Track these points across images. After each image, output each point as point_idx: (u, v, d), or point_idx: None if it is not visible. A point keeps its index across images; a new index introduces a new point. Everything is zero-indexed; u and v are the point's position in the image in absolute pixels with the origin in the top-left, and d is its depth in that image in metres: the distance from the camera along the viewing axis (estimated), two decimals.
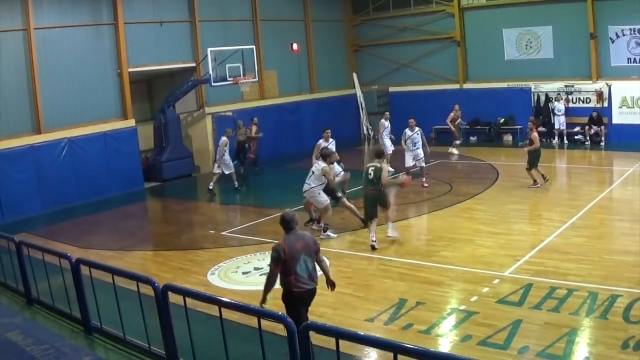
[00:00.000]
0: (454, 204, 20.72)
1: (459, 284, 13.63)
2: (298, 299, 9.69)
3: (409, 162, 24.01)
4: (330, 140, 22.25)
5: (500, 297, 12.42)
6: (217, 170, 25.92)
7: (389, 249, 16.89)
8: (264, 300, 9.85)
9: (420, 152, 23.92)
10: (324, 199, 18.16)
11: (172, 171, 29.62)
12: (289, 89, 35.60)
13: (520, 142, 24.25)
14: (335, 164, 19.53)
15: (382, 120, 27.59)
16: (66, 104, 25.70)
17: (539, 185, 22.37)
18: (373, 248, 16.51)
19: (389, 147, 26.57)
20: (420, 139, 24.14)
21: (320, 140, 22.04)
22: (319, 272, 10.09)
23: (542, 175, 22.64)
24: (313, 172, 18.18)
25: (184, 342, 9.08)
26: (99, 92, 26.98)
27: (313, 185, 18.06)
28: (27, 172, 24.11)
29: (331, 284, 10.41)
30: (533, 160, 22.45)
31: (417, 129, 24.15)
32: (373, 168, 17.00)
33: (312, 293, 9.86)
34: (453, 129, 30.13)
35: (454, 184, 23.60)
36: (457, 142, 30.58)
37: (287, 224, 9.88)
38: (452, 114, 30.10)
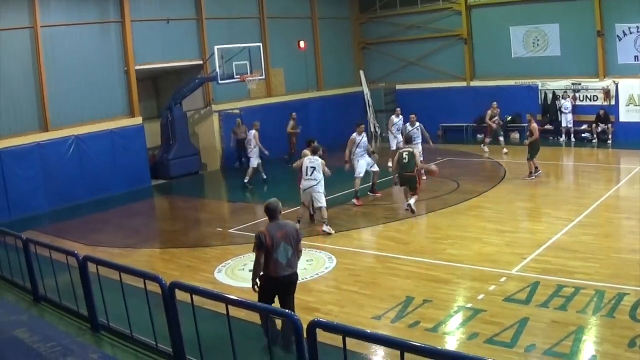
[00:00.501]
0: (460, 202, 20.71)
1: (466, 281, 13.62)
2: (274, 283, 10.31)
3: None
4: (363, 134, 22.10)
5: (507, 295, 12.41)
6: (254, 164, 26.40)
7: (396, 247, 16.90)
8: (254, 285, 10.43)
9: (419, 147, 24.09)
10: (323, 197, 18.76)
11: (179, 168, 29.62)
12: (296, 87, 35.55)
13: (525, 139, 24.22)
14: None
15: (392, 116, 27.63)
16: (73, 101, 25.73)
17: (533, 177, 23.03)
18: (412, 211, 19.34)
19: (393, 144, 26.78)
20: (419, 134, 24.65)
21: (354, 135, 21.93)
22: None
23: (536, 167, 23.20)
24: (314, 168, 18.46)
25: (191, 340, 9.07)
26: (105, 89, 27.04)
27: (320, 179, 18.46)
28: (34, 170, 24.16)
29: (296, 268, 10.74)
30: (533, 151, 23.02)
31: (417, 124, 24.81)
32: (407, 153, 19.46)
33: (289, 279, 10.43)
34: (494, 126, 29.84)
35: (460, 181, 23.57)
36: (488, 139, 30.31)
37: (271, 212, 10.49)
38: (489, 112, 29.93)
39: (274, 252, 10.17)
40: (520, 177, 23.53)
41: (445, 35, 36.16)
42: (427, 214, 19.86)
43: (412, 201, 19.34)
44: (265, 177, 26.82)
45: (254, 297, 11.08)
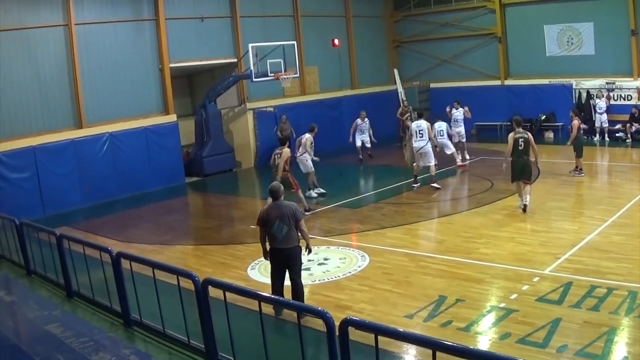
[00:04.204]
0: (494, 201, 20.51)
1: (498, 281, 13.47)
2: (273, 254, 11.92)
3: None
4: (366, 119, 26.01)
5: (540, 295, 12.25)
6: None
7: (429, 246, 16.86)
8: (265, 255, 12.14)
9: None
10: (311, 164, 22.69)
11: (213, 166, 29.68)
12: (330, 85, 35.49)
13: (567, 141, 24.07)
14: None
15: (358, 119, 29.80)
16: (107, 99, 25.90)
17: (575, 174, 23.14)
18: (524, 210, 18.50)
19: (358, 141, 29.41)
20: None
21: (358, 120, 26.95)
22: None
23: (580, 168, 23.27)
24: (422, 130, 22.76)
25: (223, 337, 9.04)
26: (140, 87, 27.19)
27: (427, 139, 22.81)
28: (68, 167, 24.37)
29: (308, 250, 12.25)
30: (578, 149, 23.08)
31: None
32: (523, 139, 18.66)
33: (286, 253, 11.81)
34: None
35: (495, 180, 23.39)
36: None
37: (272, 194, 12.02)
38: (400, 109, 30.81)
39: (270, 228, 11.74)
40: (554, 177, 23.34)
41: (480, 34, 35.94)
42: (460, 213, 19.71)
43: (527, 199, 18.63)
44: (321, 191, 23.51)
45: (286, 295, 11.10)
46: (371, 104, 35.24)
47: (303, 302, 11.20)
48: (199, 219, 23.58)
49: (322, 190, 23.12)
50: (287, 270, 11.88)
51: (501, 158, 25.82)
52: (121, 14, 26.38)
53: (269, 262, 12.15)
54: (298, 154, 22.76)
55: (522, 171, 18.61)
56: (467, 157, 27.36)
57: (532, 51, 33.94)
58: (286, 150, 19.69)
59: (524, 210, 18.44)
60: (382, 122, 33.68)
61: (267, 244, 11.93)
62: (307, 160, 22.78)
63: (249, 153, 31.47)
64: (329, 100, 34.42)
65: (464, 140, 28.04)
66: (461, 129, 27.91)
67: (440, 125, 25.42)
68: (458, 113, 28.04)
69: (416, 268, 14.81)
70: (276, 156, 20.32)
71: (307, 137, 22.92)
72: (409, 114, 31.18)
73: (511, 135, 18.93)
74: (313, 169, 23.03)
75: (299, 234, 11.94)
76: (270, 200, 12.16)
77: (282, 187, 12.24)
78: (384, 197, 21.94)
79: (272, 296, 9.20)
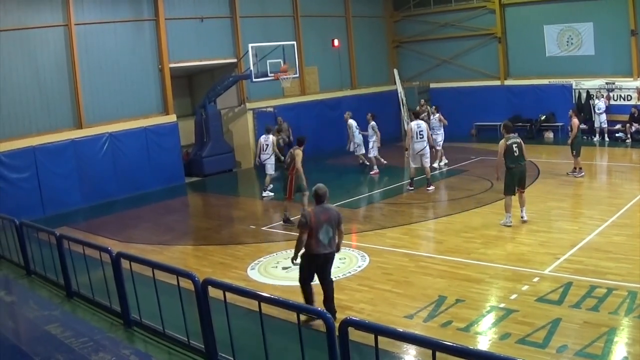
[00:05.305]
0: (494, 201, 20.47)
1: (498, 281, 13.48)
2: (314, 259, 11.51)
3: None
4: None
5: (540, 295, 12.26)
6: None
7: (429, 246, 16.89)
8: (295, 258, 11.83)
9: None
10: (272, 164, 24.03)
11: (213, 166, 29.69)
12: (330, 85, 35.50)
13: (568, 139, 24.05)
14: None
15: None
16: (107, 99, 25.94)
17: (573, 174, 23.07)
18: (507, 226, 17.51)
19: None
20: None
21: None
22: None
23: (580, 168, 23.21)
24: (422, 130, 22.69)
25: (223, 337, 9.05)
26: (140, 87, 27.21)
27: (271, 153, 23.72)
28: (68, 167, 24.39)
29: (337, 250, 11.96)
30: (577, 148, 22.94)
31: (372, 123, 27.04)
32: (516, 145, 17.46)
33: (328, 257, 11.65)
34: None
35: (494, 181, 23.36)
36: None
37: (318, 197, 11.71)
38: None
39: (317, 232, 11.31)
40: (554, 177, 23.34)
41: (480, 34, 35.93)
42: (460, 213, 19.70)
43: (524, 213, 17.79)
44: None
45: (286, 295, 11.10)
46: (371, 104, 35.24)
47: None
48: (198, 219, 23.58)
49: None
50: (321, 272, 11.72)
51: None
52: (121, 14, 26.40)
53: (293, 265, 12.12)
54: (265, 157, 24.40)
55: (521, 178, 17.64)
56: (436, 166, 26.72)
57: (532, 51, 33.95)
58: (298, 151, 19.39)
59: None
60: (381, 121, 33.65)
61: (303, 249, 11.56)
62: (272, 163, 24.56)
63: (249, 153, 31.44)
64: (329, 101, 34.45)
65: (439, 147, 26.95)
66: (437, 136, 26.68)
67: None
68: (434, 119, 27.15)
69: (416, 268, 14.82)
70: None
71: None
72: (426, 113, 31.08)
73: (502, 142, 17.64)
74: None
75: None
76: (306, 201, 11.72)
77: (327, 190, 11.85)
78: (383, 197, 21.94)
79: (272, 296, 9.10)
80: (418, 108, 31.36)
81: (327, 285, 11.68)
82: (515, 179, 17.52)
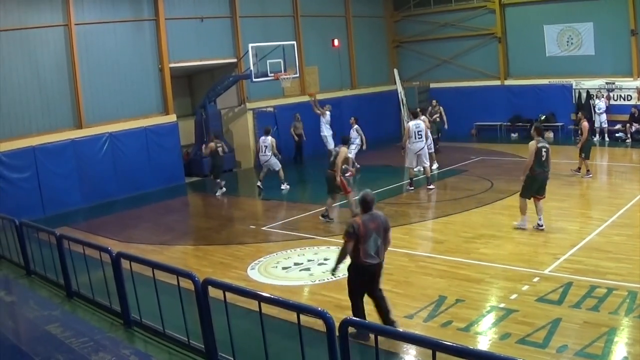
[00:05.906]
0: (494, 201, 20.50)
1: (498, 281, 13.47)
2: (362, 271, 10.71)
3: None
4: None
5: (540, 295, 12.25)
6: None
7: (429, 246, 16.87)
8: (335, 269, 11.17)
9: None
10: (276, 161, 24.72)
11: None
12: (330, 85, 35.44)
13: (577, 139, 24.04)
14: None
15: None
16: (107, 99, 25.92)
17: (580, 174, 23.16)
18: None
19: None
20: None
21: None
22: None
23: (587, 170, 23.12)
24: (421, 130, 22.57)
25: (223, 337, 9.06)
26: (140, 87, 27.20)
27: (270, 154, 24.39)
28: (68, 167, 24.38)
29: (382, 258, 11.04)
30: (586, 150, 22.92)
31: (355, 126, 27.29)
32: (546, 149, 16.56)
33: (376, 267, 10.79)
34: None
35: (494, 180, 23.40)
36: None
37: (366, 204, 10.86)
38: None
39: (365, 242, 10.55)
40: (554, 176, 23.30)
41: (480, 34, 35.92)
42: (460, 213, 19.68)
43: (542, 220, 16.85)
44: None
45: (286, 295, 11.10)
46: (371, 104, 35.30)
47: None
48: (198, 219, 23.57)
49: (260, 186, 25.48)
50: (371, 284, 10.97)
51: (501, 159, 25.97)
52: (121, 14, 26.38)
53: (333, 277, 11.95)
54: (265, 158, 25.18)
55: (541, 186, 16.72)
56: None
57: (532, 51, 33.94)
58: (344, 150, 19.34)
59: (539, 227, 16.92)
60: (382, 121, 33.73)
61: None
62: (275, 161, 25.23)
63: (249, 153, 31.45)
64: (329, 101, 34.36)
65: (432, 150, 25.76)
66: (429, 139, 25.08)
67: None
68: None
69: (416, 268, 14.82)
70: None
71: (271, 140, 25.23)
72: (438, 114, 30.94)
73: (532, 143, 16.60)
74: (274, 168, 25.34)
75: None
76: (354, 209, 11.15)
77: (375, 197, 11.15)
78: (383, 197, 21.92)
79: (272, 296, 9.08)
80: (430, 109, 31.21)
81: (380, 297, 11.04)
82: (536, 185, 16.67)
